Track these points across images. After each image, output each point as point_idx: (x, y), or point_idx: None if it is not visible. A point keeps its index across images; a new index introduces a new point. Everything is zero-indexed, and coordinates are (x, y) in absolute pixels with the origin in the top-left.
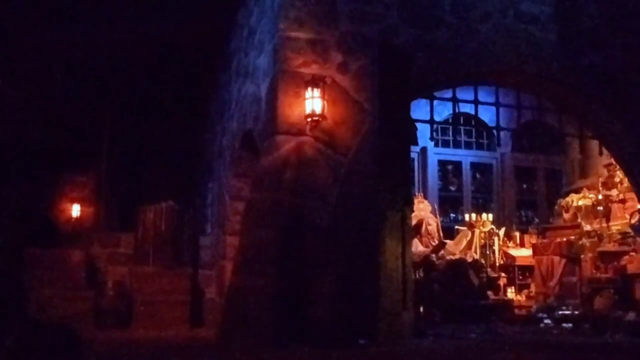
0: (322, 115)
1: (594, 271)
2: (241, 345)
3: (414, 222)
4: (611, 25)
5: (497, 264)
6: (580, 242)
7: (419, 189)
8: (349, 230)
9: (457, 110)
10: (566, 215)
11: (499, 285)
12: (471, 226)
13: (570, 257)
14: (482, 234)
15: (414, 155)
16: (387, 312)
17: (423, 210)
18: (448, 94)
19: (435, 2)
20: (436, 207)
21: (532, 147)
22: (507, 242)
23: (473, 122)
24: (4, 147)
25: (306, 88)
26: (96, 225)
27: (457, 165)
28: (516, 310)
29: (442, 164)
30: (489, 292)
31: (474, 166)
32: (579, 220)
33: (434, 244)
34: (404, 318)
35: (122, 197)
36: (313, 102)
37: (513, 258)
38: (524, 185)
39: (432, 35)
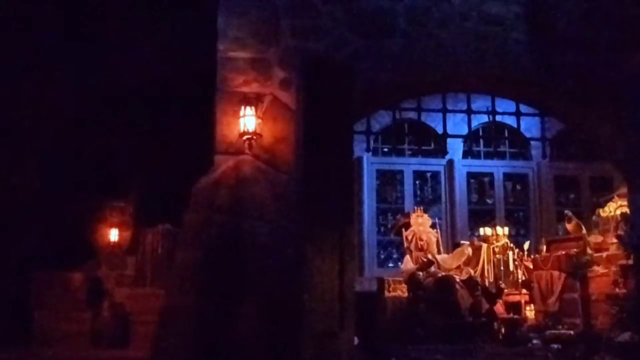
0: (255, 133)
1: (612, 286)
2: None
3: (410, 236)
4: (594, 21)
5: (519, 280)
6: (585, 257)
7: (445, 203)
8: (282, 249)
9: (490, 119)
10: (569, 226)
11: (520, 303)
12: (484, 240)
13: (571, 272)
14: (496, 249)
15: (439, 168)
16: (319, 333)
17: (422, 225)
18: (480, 104)
19: (387, 10)
20: (436, 221)
21: (576, 154)
22: (530, 257)
23: (506, 132)
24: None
25: (240, 107)
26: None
27: (489, 177)
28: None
29: (472, 176)
30: (500, 311)
31: (507, 177)
32: (583, 231)
33: (425, 260)
34: (341, 339)
35: (152, 221)
36: (245, 120)
37: None
38: (571, 195)
39: (384, 44)
